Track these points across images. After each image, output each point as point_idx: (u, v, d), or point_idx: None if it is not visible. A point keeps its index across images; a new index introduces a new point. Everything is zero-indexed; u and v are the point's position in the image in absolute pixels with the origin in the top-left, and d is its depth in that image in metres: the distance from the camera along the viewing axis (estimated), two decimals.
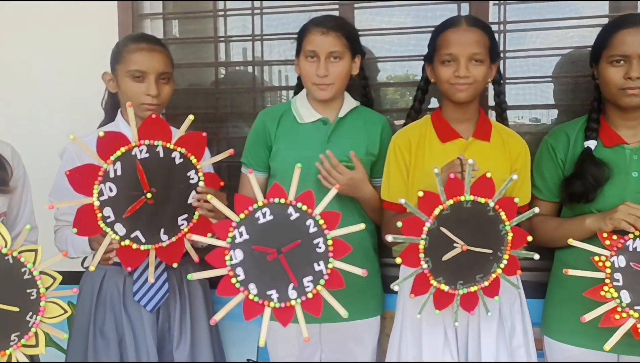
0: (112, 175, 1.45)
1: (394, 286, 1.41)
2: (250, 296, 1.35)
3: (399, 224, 1.41)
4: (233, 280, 1.34)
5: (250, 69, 2.30)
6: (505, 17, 2.05)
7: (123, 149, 1.46)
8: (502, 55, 2.01)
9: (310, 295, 1.36)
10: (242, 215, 1.36)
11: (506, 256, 1.42)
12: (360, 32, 2.10)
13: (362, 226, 1.39)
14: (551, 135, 1.75)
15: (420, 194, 1.40)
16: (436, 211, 1.40)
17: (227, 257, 1.35)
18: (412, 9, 2.14)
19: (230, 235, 1.36)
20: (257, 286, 1.35)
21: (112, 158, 1.44)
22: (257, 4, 2.22)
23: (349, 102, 1.83)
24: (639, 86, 1.52)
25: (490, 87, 1.88)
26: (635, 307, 1.37)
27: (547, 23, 2.06)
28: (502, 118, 1.85)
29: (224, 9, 2.28)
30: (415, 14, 2.15)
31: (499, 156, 1.66)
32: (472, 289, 1.42)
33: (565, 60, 2.06)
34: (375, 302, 1.86)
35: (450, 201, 1.40)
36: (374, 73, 2.18)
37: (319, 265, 1.37)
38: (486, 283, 1.42)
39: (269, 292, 1.35)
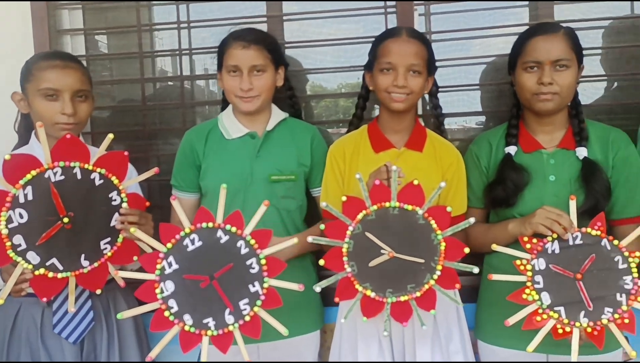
0: (22, 200, 1.39)
1: (316, 287, 1.41)
2: (186, 328, 1.33)
3: (322, 226, 1.42)
4: (166, 313, 1.32)
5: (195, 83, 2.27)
6: (430, 27, 2.08)
7: (34, 173, 1.40)
8: None
9: (247, 318, 1.35)
10: (169, 245, 1.35)
11: (439, 267, 1.41)
12: (289, 45, 2.13)
13: (294, 240, 1.39)
14: (475, 143, 1.79)
15: (344, 198, 1.42)
16: (360, 216, 1.41)
17: (157, 290, 1.33)
18: (343, 21, 2.16)
19: (158, 266, 1.34)
20: (193, 316, 1.33)
21: (21, 182, 1.38)
22: (183, 17, 2.18)
23: (277, 115, 1.82)
24: (552, 92, 1.57)
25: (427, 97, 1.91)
26: (555, 308, 1.40)
27: (470, 32, 2.11)
28: (440, 130, 1.87)
29: (150, 23, 2.23)
30: (346, 27, 2.17)
31: (431, 166, 1.69)
32: (403, 298, 1.41)
33: (490, 68, 2.11)
34: (315, 317, 1.84)
35: (375, 207, 1.41)
36: (302, 85, 2.18)
37: (254, 285, 1.37)
38: (418, 294, 1.41)
39: (205, 320, 1.34)
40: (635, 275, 1.39)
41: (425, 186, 1.44)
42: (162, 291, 1.33)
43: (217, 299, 1.35)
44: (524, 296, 1.42)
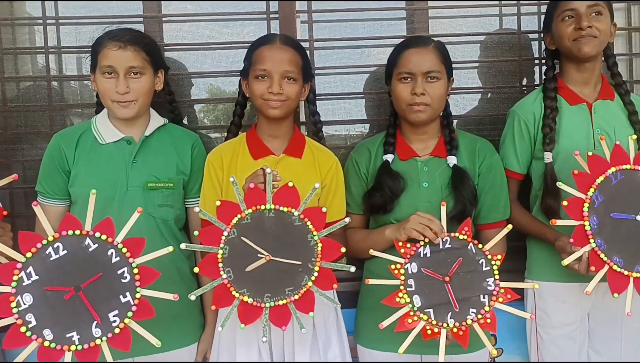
0: None
1: (191, 296, 1.37)
2: (46, 343, 1.23)
3: (196, 233, 1.39)
4: (23, 329, 1.22)
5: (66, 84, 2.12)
6: (312, 34, 2.10)
7: None
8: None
9: (117, 331, 1.28)
10: (28, 254, 1.25)
11: (317, 268, 1.41)
12: (168, 47, 2.06)
13: (169, 249, 1.33)
14: (355, 151, 1.82)
15: (218, 203, 1.40)
16: (234, 220, 1.39)
17: (13, 304, 1.23)
18: (225, 25, 2.12)
19: (15, 278, 1.24)
20: (53, 331, 1.25)
21: None
22: (50, 12, 2.04)
23: (156, 120, 1.75)
24: (424, 102, 1.63)
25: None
26: (425, 310, 1.45)
27: (352, 42, 2.16)
28: (317, 136, 1.88)
29: (11, 18, 2.06)
30: (227, 30, 2.13)
31: (310, 172, 1.69)
32: (281, 302, 1.39)
33: (371, 77, 2.17)
34: (194, 328, 1.77)
35: (250, 211, 1.39)
36: (187, 89, 2.12)
37: (125, 296, 1.30)
38: (296, 297, 1.40)
39: (68, 335, 1.25)
40: (497, 277, 1.47)
41: (304, 191, 1.44)
42: (18, 305, 1.23)
43: (83, 311, 1.27)
44: (397, 299, 1.46)
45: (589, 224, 1.44)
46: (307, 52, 2.06)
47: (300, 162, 1.69)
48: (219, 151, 1.71)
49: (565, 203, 1.46)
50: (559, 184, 1.50)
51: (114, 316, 1.29)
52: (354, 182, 1.77)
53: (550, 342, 1.78)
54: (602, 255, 1.43)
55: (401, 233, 1.54)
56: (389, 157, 1.72)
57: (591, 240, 1.44)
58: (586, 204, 1.45)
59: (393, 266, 1.49)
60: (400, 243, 1.52)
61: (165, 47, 2.08)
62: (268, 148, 1.68)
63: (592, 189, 1.46)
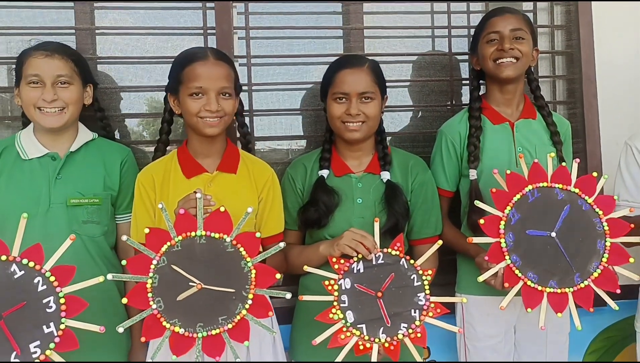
0: None
1: (119, 328, 1.33)
2: None
3: (124, 262, 1.35)
4: None
5: None
6: (249, 51, 2.11)
7: None
8: (248, 88, 2.07)
9: (37, 362, 1.24)
10: None
11: (251, 295, 1.38)
12: (102, 60, 2.01)
13: (100, 279, 1.31)
14: (291, 166, 1.84)
15: (147, 230, 1.36)
16: (164, 248, 1.36)
17: None
18: (166, 39, 2.09)
19: None
20: None
21: None
22: None
23: (84, 135, 1.71)
24: (359, 121, 1.67)
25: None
26: (358, 325, 1.47)
27: (290, 59, 2.18)
28: (247, 149, 1.87)
29: None
30: (167, 45, 2.10)
31: (246, 187, 1.68)
32: (214, 332, 1.36)
33: (309, 94, 2.20)
34: (122, 353, 1.72)
35: (180, 238, 1.37)
36: (119, 102, 2.08)
37: (48, 327, 1.26)
38: (230, 326, 1.37)
39: None
40: (428, 291, 1.51)
41: (241, 207, 1.42)
42: None
43: (3, 341, 1.23)
44: (331, 315, 1.47)
45: (505, 242, 1.50)
46: (245, 68, 2.09)
47: (235, 177, 1.67)
48: (150, 171, 1.66)
49: (482, 221, 1.51)
50: (477, 203, 1.56)
51: (35, 347, 1.25)
52: (290, 198, 1.78)
53: (477, 354, 1.84)
54: (516, 271, 1.49)
55: (335, 249, 1.56)
56: (324, 172, 1.75)
57: (506, 257, 1.49)
58: (502, 222, 1.51)
59: (327, 282, 1.50)
60: (334, 259, 1.53)
61: (98, 60, 2.04)
62: (201, 165, 1.65)
63: (508, 207, 1.52)
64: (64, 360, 1.27)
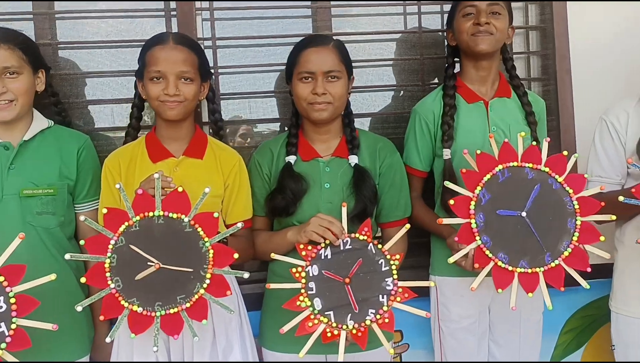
0: None
1: (77, 307, 1.32)
2: None
3: (82, 242, 1.35)
4: None
5: None
6: (214, 33, 2.04)
7: None
8: (214, 71, 2.01)
9: None
10: None
11: (208, 275, 1.37)
12: (63, 44, 1.95)
13: (51, 277, 1.29)
14: (258, 151, 1.80)
15: (105, 211, 1.36)
16: (122, 228, 1.35)
17: None
18: (121, 22, 2.03)
19: None
20: None
21: None
22: None
23: (39, 123, 1.65)
24: (326, 101, 1.63)
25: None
26: (326, 313, 1.44)
27: (257, 40, 2.12)
28: (219, 135, 1.84)
29: None
30: (125, 27, 2.04)
31: (212, 173, 1.66)
32: (172, 311, 1.36)
33: (280, 76, 2.14)
34: (83, 344, 1.69)
35: (138, 218, 1.35)
36: (86, 88, 2.02)
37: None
38: (188, 305, 1.36)
39: None
40: (396, 276, 1.48)
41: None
42: None
43: None
44: (298, 303, 1.44)
45: (475, 222, 1.47)
46: (210, 51, 2.03)
47: (202, 163, 1.66)
48: (116, 156, 1.66)
49: (452, 201, 1.48)
50: (446, 184, 1.52)
51: None
52: (257, 183, 1.75)
53: (450, 335, 1.83)
54: (487, 252, 1.46)
55: (302, 236, 1.53)
56: (292, 158, 1.71)
57: (477, 238, 1.46)
58: (473, 203, 1.48)
59: (294, 270, 1.47)
60: (302, 246, 1.50)
61: (59, 46, 1.97)
62: (167, 150, 1.64)
63: (479, 187, 1.49)
64: (16, 360, 1.25)
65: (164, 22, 2.01)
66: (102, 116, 2.06)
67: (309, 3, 2.14)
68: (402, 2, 2.19)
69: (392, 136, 1.88)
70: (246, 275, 1.40)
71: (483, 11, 1.74)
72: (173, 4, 2.00)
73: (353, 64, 1.73)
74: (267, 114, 2.17)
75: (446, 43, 1.94)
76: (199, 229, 1.38)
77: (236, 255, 1.39)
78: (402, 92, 2.23)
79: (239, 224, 1.40)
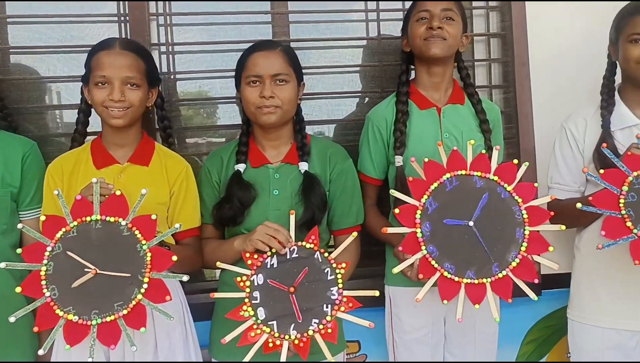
0: None
1: (11, 318, 1.29)
2: None
3: (19, 251, 1.32)
4: None
5: None
6: (172, 38, 2.02)
7: None
8: (168, 77, 1.99)
9: None
10: None
11: (146, 279, 1.33)
12: (14, 49, 1.92)
13: None
14: (208, 158, 1.77)
15: (43, 218, 1.34)
16: (59, 234, 1.32)
17: None
18: (74, 27, 2.00)
19: None
20: None
21: None
22: None
23: None
24: (274, 105, 1.60)
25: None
26: (269, 322, 1.41)
27: (213, 46, 2.10)
28: (168, 143, 1.81)
29: None
30: (77, 33, 2.01)
31: (158, 180, 1.64)
32: (109, 319, 1.31)
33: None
34: (25, 356, 1.65)
35: (75, 223, 1.33)
36: (40, 93, 1.98)
37: None
38: (125, 312, 1.32)
39: None
40: (341, 285, 1.45)
41: (153, 200, 1.40)
42: None
43: None
44: (241, 312, 1.41)
45: (421, 232, 1.44)
46: (165, 56, 2.00)
47: (147, 170, 1.63)
48: (60, 161, 1.63)
49: (397, 210, 1.46)
50: (392, 192, 1.50)
51: None
52: (206, 191, 1.72)
53: (403, 346, 1.80)
54: (433, 262, 1.42)
55: (248, 244, 1.50)
56: (241, 166, 1.68)
57: (423, 247, 1.43)
58: (419, 212, 1.45)
59: (239, 279, 1.44)
60: (248, 254, 1.47)
61: (10, 51, 1.94)
62: (112, 156, 1.62)
63: (425, 196, 1.46)
64: None
65: (117, 27, 1.99)
66: (54, 122, 2.03)
67: (268, 9, 2.12)
68: (363, 10, 2.18)
69: (354, 143, 1.86)
70: (185, 278, 1.35)
71: (436, 16, 1.73)
72: (126, 9, 1.98)
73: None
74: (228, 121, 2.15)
75: (401, 49, 1.92)
76: (137, 232, 1.35)
77: (175, 257, 1.35)
78: (366, 99, 2.21)
79: (177, 226, 1.37)
